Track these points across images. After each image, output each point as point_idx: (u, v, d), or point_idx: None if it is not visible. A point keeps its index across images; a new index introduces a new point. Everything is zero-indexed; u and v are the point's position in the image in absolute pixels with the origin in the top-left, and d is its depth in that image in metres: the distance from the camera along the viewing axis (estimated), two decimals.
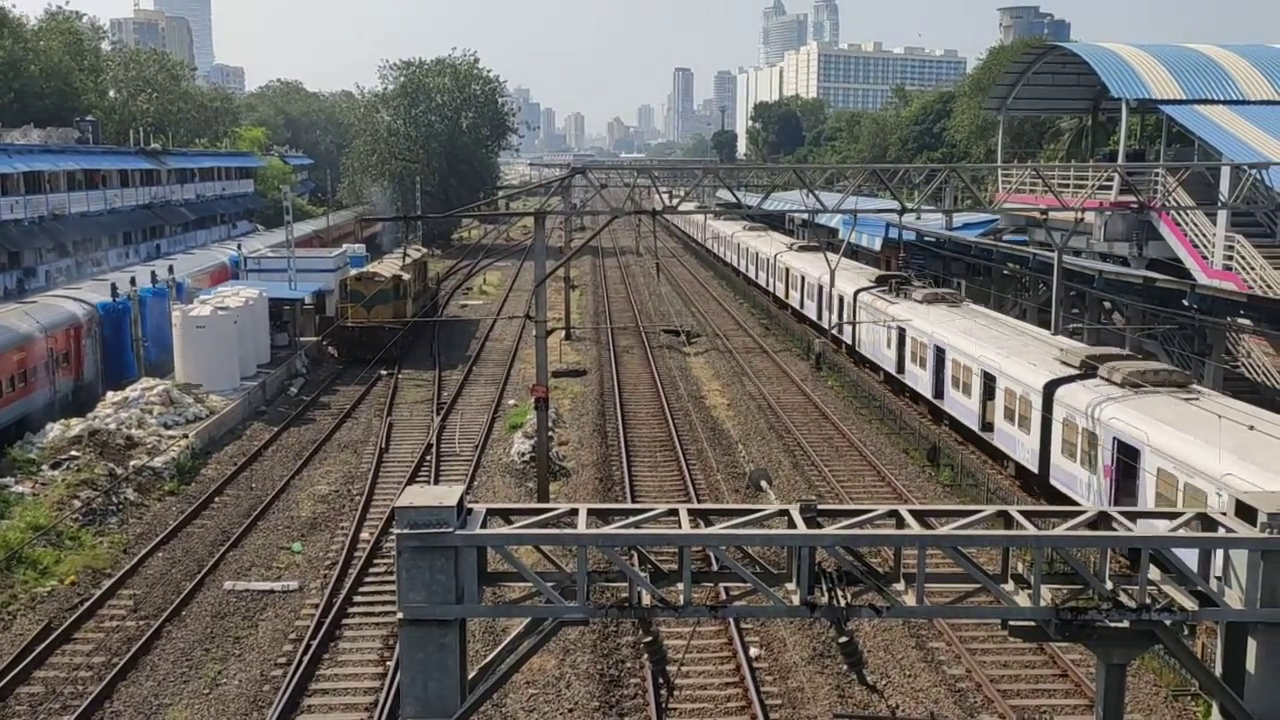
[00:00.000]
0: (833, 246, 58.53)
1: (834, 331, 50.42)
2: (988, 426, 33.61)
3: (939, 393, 37.77)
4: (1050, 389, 28.79)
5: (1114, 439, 25.08)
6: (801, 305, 60.48)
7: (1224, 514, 11.56)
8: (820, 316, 55.35)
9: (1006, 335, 35.45)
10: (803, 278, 60.12)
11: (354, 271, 54.83)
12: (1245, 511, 11.25)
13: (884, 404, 40.74)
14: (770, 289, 69.95)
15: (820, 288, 53.65)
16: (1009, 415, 31.45)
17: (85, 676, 20.57)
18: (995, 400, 32.62)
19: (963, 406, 35.51)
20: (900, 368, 42.02)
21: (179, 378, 40.77)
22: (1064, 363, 30.06)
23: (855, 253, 62.44)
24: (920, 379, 39.61)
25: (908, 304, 42.89)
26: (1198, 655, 13.52)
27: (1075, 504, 24.99)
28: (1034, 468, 29.77)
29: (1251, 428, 21.94)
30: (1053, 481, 28.78)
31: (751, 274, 76.89)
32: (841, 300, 50.02)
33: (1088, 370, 28.70)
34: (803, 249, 67.41)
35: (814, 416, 40.48)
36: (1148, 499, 23.59)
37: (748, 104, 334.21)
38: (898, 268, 59.37)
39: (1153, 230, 43.99)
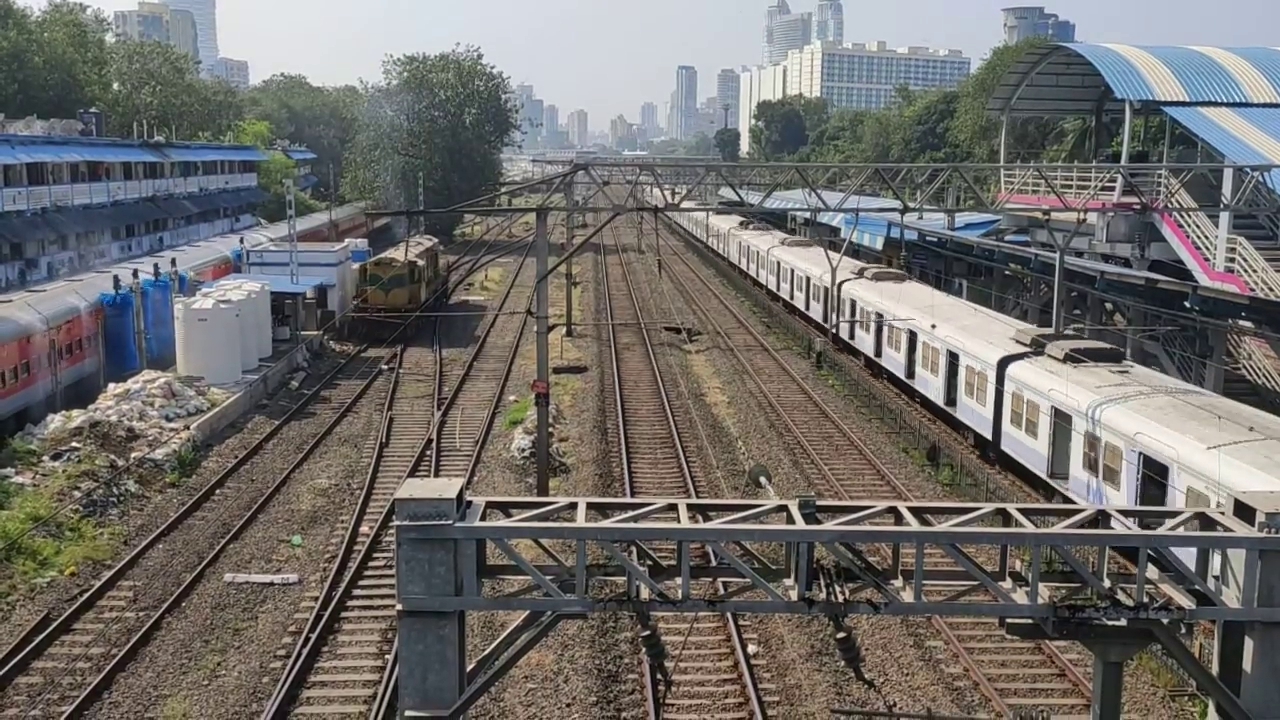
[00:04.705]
0: (834, 245, 58.25)
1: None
2: None
3: None
4: None
5: None
6: (908, 371, 40.72)
7: (1222, 513, 11.58)
8: (958, 404, 35.64)
9: None
10: (913, 337, 40.11)
11: (373, 258, 59.38)
12: (1244, 510, 11.28)
13: (884, 403, 40.70)
14: (839, 332, 49.89)
15: (956, 355, 35.81)
16: None
17: (84, 667, 20.61)
18: None
19: None
20: None
21: (180, 370, 40.80)
22: None
23: (857, 251, 62.09)
24: None
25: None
26: (1195, 654, 13.51)
27: None
28: None
29: None
30: None
31: (817, 314, 56.07)
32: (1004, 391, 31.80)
33: None
34: (881, 277, 49.32)
35: (814, 415, 40.50)
36: None
37: (751, 102, 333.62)
38: (900, 267, 59.38)
39: (1155, 232, 44.04)
